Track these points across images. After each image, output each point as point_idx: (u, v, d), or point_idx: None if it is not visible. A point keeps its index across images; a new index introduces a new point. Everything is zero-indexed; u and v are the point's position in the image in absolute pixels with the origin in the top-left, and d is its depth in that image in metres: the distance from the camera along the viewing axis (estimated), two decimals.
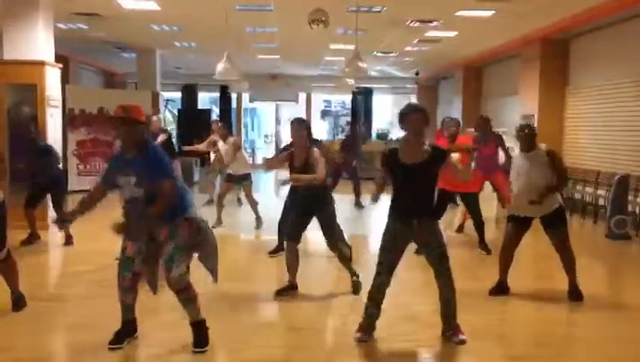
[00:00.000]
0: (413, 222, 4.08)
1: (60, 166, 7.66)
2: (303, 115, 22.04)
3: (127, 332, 4.04)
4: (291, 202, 6.37)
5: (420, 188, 4.09)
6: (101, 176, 4.17)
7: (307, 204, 5.24)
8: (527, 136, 5.13)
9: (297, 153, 5.25)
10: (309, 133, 5.30)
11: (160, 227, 3.83)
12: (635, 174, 8.83)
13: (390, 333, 4.38)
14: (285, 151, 6.05)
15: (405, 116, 4.08)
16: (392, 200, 4.19)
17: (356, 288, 5.27)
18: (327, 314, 4.85)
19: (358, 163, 11.53)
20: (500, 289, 5.37)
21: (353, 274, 5.33)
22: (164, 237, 3.83)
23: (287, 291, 5.24)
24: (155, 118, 10.49)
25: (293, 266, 5.26)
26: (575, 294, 5.22)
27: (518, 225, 5.26)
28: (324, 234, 5.25)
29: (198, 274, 4.16)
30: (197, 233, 3.90)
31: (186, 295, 3.89)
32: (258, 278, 6.02)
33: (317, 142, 6.06)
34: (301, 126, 5.23)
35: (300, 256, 5.27)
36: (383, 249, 4.16)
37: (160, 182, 3.75)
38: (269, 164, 5.97)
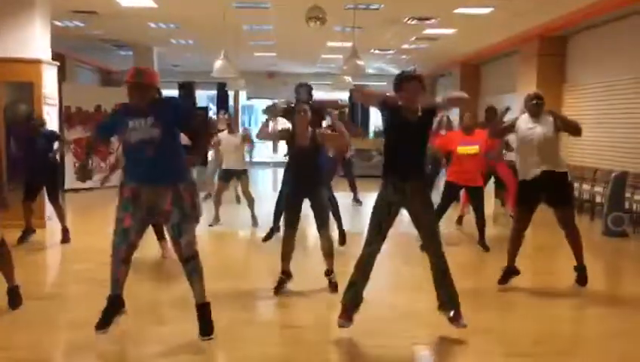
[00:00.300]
0: (406, 186, 4.09)
1: (57, 157, 7.57)
2: None
3: (114, 309, 3.98)
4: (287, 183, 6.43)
5: (415, 147, 4.11)
6: (96, 129, 4.35)
7: (300, 184, 5.22)
8: (537, 105, 5.32)
9: (299, 132, 5.17)
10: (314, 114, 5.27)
11: (165, 193, 3.83)
12: (632, 171, 8.84)
13: (388, 330, 4.38)
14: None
15: (401, 84, 4.09)
16: (386, 164, 4.19)
17: (333, 287, 5.24)
18: (325, 312, 4.84)
19: (352, 156, 11.44)
20: (509, 274, 5.42)
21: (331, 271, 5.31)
22: (168, 205, 3.84)
23: (285, 283, 5.23)
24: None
25: (288, 254, 5.25)
26: (581, 277, 5.32)
27: (525, 209, 5.33)
28: (315, 217, 5.21)
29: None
30: (197, 206, 3.96)
31: (195, 264, 3.92)
32: (255, 276, 6.01)
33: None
34: (305, 107, 5.16)
35: (297, 248, 5.28)
36: (374, 214, 4.15)
37: (194, 116, 3.99)
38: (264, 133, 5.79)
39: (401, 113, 4.09)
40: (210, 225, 8.39)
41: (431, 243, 4.15)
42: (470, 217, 7.87)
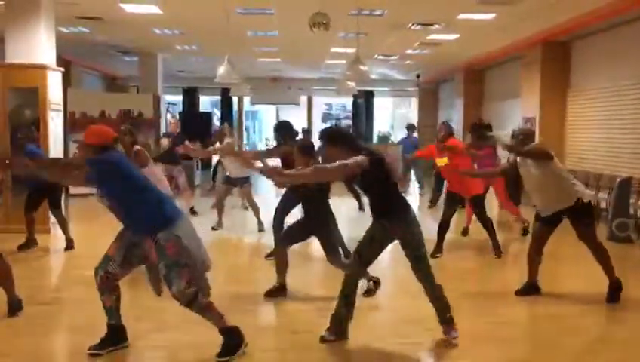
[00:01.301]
0: (384, 222, 4.13)
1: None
2: (305, 118, 22.10)
3: (112, 339, 3.95)
4: (288, 200, 6.44)
5: (373, 193, 4.17)
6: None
7: (308, 221, 5.24)
8: (521, 142, 5.26)
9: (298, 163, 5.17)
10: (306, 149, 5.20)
11: (145, 241, 3.78)
12: (637, 177, 8.81)
13: (390, 336, 4.38)
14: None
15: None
16: None
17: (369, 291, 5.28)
18: (327, 318, 4.84)
19: None
20: (529, 289, 5.37)
21: (369, 279, 5.28)
22: (154, 257, 3.78)
23: (277, 293, 5.26)
24: (173, 120, 10.50)
25: (283, 267, 5.28)
26: (613, 294, 5.19)
27: (544, 223, 5.27)
28: (323, 249, 5.23)
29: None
30: (183, 253, 3.73)
31: (197, 307, 3.81)
32: (259, 281, 6.01)
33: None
34: (297, 150, 5.10)
35: (302, 258, 5.28)
36: (362, 241, 4.21)
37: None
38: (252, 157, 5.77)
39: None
40: (213, 228, 8.48)
41: (420, 278, 4.19)
42: (477, 227, 7.87)
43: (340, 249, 5.44)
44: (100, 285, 3.87)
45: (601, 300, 5.21)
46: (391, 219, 4.12)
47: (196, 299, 3.78)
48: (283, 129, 6.70)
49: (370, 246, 4.19)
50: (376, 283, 5.34)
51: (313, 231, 5.25)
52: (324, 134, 4.25)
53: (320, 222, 5.19)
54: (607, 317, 5.02)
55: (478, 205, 7.06)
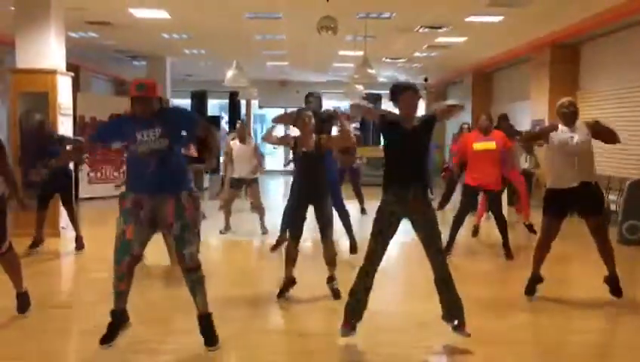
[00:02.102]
0: (408, 193, 4.06)
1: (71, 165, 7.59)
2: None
3: (119, 323, 4.00)
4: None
5: (416, 155, 4.11)
6: (97, 133, 4.45)
7: (304, 191, 5.25)
8: (571, 114, 5.24)
9: (305, 141, 5.24)
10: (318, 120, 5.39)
11: (167, 203, 3.86)
12: None
13: (401, 339, 4.36)
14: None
15: (397, 95, 4.13)
16: (387, 174, 4.18)
17: (335, 293, 5.24)
18: (335, 320, 4.83)
19: (360, 165, 11.40)
20: (534, 282, 5.35)
21: (333, 278, 5.32)
22: (170, 217, 3.86)
23: (288, 288, 5.27)
24: None
25: (292, 260, 5.28)
26: (614, 288, 5.20)
27: (553, 219, 5.23)
28: (319, 225, 5.23)
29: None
30: (198, 218, 4.03)
31: (198, 275, 3.94)
32: (266, 284, 6.01)
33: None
34: (309, 114, 5.28)
35: (310, 260, 5.29)
36: (375, 225, 4.11)
37: (199, 123, 4.05)
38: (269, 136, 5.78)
39: (399, 125, 4.11)
40: (220, 232, 8.51)
41: (430, 249, 4.10)
42: (487, 227, 7.84)
43: (343, 225, 5.38)
44: (123, 272, 3.89)
45: (611, 303, 5.17)
46: (419, 187, 4.09)
47: (200, 267, 3.94)
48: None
49: (390, 226, 4.09)
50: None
51: (311, 201, 5.22)
52: (408, 85, 4.23)
53: (318, 193, 5.20)
54: (618, 320, 4.98)
55: (496, 202, 7.03)
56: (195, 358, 3.98)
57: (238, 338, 4.31)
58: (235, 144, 8.66)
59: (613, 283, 5.23)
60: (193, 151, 9.79)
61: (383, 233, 4.09)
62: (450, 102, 4.50)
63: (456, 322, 4.11)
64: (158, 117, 3.90)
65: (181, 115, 4.16)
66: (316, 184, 5.23)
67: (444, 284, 4.12)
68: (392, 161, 4.17)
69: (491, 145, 6.95)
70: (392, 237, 4.14)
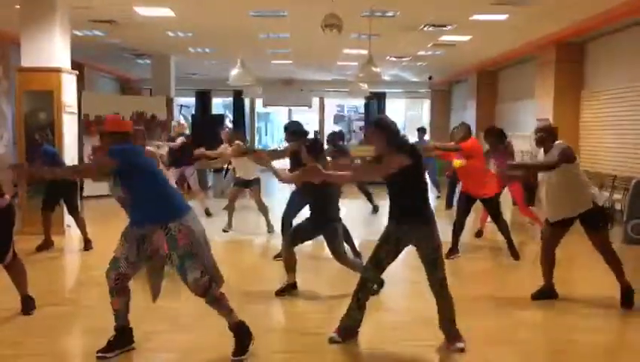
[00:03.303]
0: (404, 226, 4.08)
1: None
2: (316, 120, 22.12)
3: (119, 341, 3.98)
4: (298, 199, 6.51)
5: (402, 192, 4.06)
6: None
7: (314, 219, 5.30)
8: (540, 139, 5.14)
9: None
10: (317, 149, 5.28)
11: (155, 233, 3.82)
12: None
13: (404, 338, 4.37)
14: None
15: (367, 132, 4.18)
16: (389, 204, 4.24)
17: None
18: (337, 319, 4.84)
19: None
20: (546, 293, 5.31)
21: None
22: (165, 249, 3.82)
23: (288, 290, 5.34)
24: (174, 123, 10.55)
25: (292, 266, 5.35)
26: (626, 300, 5.10)
27: (555, 227, 5.20)
28: (329, 247, 5.31)
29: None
30: (194, 243, 3.82)
31: (211, 297, 3.87)
32: (269, 282, 6.02)
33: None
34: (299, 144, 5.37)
35: (312, 259, 5.29)
36: (378, 245, 4.19)
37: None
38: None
39: None
40: (223, 231, 8.55)
41: (433, 283, 4.13)
42: (491, 227, 7.83)
43: (349, 247, 5.43)
44: (111, 287, 3.91)
45: (616, 304, 5.15)
46: (415, 222, 4.07)
47: (210, 288, 3.85)
48: (295, 134, 6.68)
49: (388, 248, 4.15)
50: (381, 284, 5.34)
51: (320, 228, 5.29)
52: (373, 120, 4.22)
53: (327, 219, 5.24)
54: (623, 321, 4.96)
55: (493, 207, 7.02)
56: (198, 355, 3.98)
57: None
58: (227, 149, 8.73)
59: (627, 295, 5.11)
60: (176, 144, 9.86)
61: (380, 250, 4.16)
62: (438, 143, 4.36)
63: (449, 340, 4.14)
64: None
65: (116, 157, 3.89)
66: (324, 210, 5.25)
67: (443, 312, 4.14)
68: (388, 194, 4.19)
69: (459, 162, 6.93)
70: (389, 258, 4.18)
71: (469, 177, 6.95)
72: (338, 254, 5.28)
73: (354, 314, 4.20)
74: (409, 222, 4.08)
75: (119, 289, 3.91)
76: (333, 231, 5.25)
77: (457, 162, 7.01)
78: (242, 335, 3.93)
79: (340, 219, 5.36)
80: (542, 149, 5.21)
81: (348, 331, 4.21)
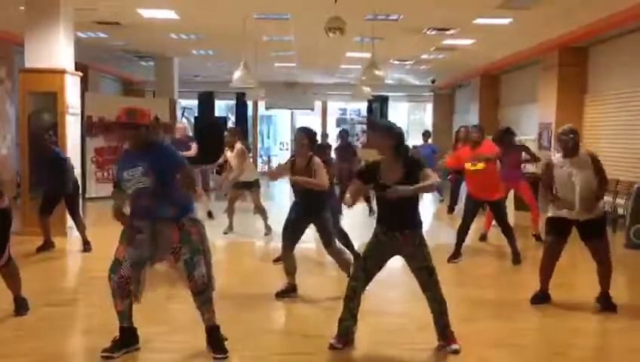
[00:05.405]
0: (396, 234, 4.07)
1: (72, 173, 7.57)
2: (319, 123, 22.14)
3: (124, 342, 3.99)
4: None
5: (399, 204, 4.02)
6: (115, 181, 4.25)
7: (303, 210, 5.38)
8: (574, 142, 5.00)
9: (299, 160, 5.39)
10: (312, 141, 5.43)
11: (169, 229, 3.85)
12: None
13: (403, 342, 4.36)
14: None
15: (368, 135, 4.17)
16: (378, 213, 4.22)
17: None
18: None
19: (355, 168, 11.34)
20: (542, 297, 5.32)
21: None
22: (174, 242, 3.86)
23: (288, 293, 5.37)
24: (179, 124, 10.52)
25: (291, 270, 5.41)
26: (605, 304, 5.13)
27: (557, 236, 5.18)
28: (321, 239, 5.45)
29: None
30: (204, 240, 3.99)
31: (206, 296, 3.93)
32: (269, 285, 6.02)
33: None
34: (302, 135, 5.40)
35: (313, 262, 5.30)
36: (364, 255, 4.22)
37: (182, 167, 3.94)
38: (275, 174, 6.19)
39: (379, 177, 4.09)
40: (224, 233, 8.57)
41: (428, 288, 4.14)
42: (495, 231, 7.82)
43: (343, 245, 5.56)
44: (113, 289, 3.91)
45: (620, 307, 5.14)
46: (408, 231, 4.08)
47: (209, 287, 3.94)
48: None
49: (376, 258, 4.16)
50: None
51: (309, 220, 5.37)
52: (375, 123, 4.28)
53: (316, 211, 5.33)
54: (622, 325, 4.94)
55: (499, 210, 7.01)
56: (198, 356, 3.98)
57: (246, 339, 4.32)
58: (228, 152, 8.73)
59: (606, 302, 5.15)
60: (192, 152, 9.81)
61: (367, 259, 4.18)
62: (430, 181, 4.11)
63: (443, 342, 4.15)
64: (145, 152, 3.90)
65: (168, 155, 4.05)
66: (314, 201, 5.32)
67: (438, 315, 4.16)
68: (378, 206, 4.19)
69: (480, 165, 6.88)
70: (376, 266, 4.18)
71: (483, 180, 6.87)
72: (330, 247, 5.43)
73: (348, 324, 4.19)
74: (403, 231, 4.08)
75: (121, 292, 3.91)
76: (323, 221, 5.36)
77: (480, 165, 6.89)
78: (220, 335, 4.01)
79: (328, 208, 5.46)
80: (559, 153, 5.12)
81: (345, 337, 4.21)
